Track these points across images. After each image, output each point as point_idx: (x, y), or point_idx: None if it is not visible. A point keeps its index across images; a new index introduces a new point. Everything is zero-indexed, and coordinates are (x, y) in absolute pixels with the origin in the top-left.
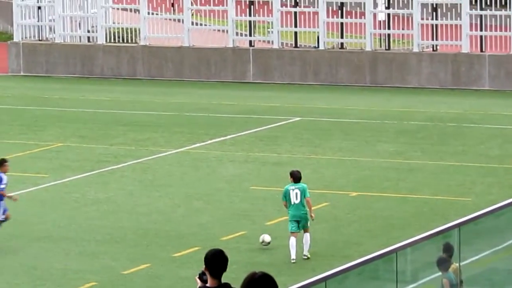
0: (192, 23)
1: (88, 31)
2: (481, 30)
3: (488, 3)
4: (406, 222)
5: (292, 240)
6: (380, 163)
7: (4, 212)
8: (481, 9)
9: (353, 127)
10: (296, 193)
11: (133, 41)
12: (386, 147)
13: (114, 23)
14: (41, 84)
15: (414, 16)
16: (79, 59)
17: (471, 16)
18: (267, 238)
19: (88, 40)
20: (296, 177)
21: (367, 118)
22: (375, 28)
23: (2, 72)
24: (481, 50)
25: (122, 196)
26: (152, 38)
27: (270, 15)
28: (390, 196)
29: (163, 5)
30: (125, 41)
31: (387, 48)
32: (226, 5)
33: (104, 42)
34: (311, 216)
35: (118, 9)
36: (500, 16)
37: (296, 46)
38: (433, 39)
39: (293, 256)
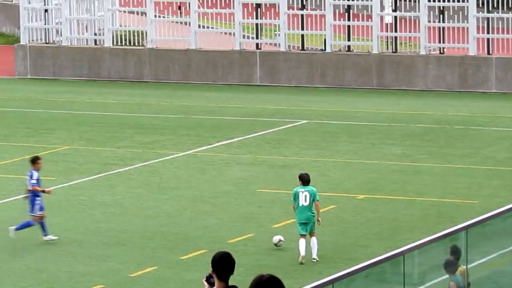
0: (199, 26)
1: (95, 34)
2: (488, 32)
3: (495, 5)
4: (413, 224)
5: (301, 241)
6: (387, 165)
7: (41, 209)
8: (488, 11)
9: (360, 130)
10: (306, 196)
11: (140, 44)
12: (393, 150)
13: (121, 26)
14: (48, 87)
15: (421, 19)
16: (86, 62)
17: (478, 18)
18: (278, 238)
19: (95, 43)
20: (305, 180)
21: (374, 121)
22: (382, 31)
23: (9, 75)
24: (488, 53)
25: (129, 199)
26: (159, 41)
27: (277, 18)
28: (397, 199)
29: (170, 8)
30: (132, 44)
31: (394, 51)
32: (233, 8)
33: (111, 45)
34: (318, 220)
35: (125, 12)
36: (507, 18)
37: (303, 49)
38: (440, 42)
39: (302, 252)
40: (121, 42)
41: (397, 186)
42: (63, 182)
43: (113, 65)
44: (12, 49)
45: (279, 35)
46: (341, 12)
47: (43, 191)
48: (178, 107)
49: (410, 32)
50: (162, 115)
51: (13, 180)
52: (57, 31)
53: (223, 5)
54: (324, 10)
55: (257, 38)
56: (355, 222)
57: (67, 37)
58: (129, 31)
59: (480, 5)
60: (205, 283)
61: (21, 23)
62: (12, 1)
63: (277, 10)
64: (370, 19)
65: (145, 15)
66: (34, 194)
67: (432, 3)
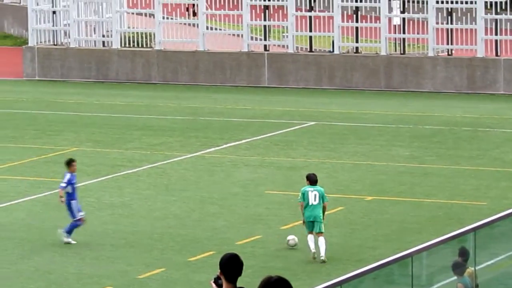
0: (207, 28)
1: (103, 36)
2: (496, 34)
3: (503, 7)
4: (421, 226)
5: (310, 237)
6: (395, 167)
7: (79, 210)
8: (496, 13)
9: (368, 132)
10: (315, 195)
11: (148, 45)
12: (401, 152)
13: (129, 27)
14: (56, 88)
15: (429, 21)
16: (94, 63)
17: (486, 20)
18: (292, 238)
19: (103, 45)
20: (312, 180)
21: (382, 122)
22: (390, 33)
23: (17, 76)
24: (496, 55)
25: (137, 200)
26: (167, 43)
27: (285, 19)
28: (405, 201)
29: (178, 9)
30: (140, 45)
31: (402, 52)
32: (241, 10)
33: (119, 47)
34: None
35: (133, 13)
36: None
37: (311, 50)
38: (448, 44)
39: (312, 249)
40: (129, 43)
41: (405, 188)
42: None
43: (121, 66)
44: (20, 51)
45: (287, 36)
46: (349, 13)
47: (60, 197)
48: (186, 109)
49: (418, 33)
50: (170, 116)
51: (21, 182)
52: (65, 33)
53: (231, 6)
54: (332, 11)
55: (265, 39)
56: (363, 224)
57: (75, 39)
58: (137, 32)
59: (488, 7)
60: (213, 285)
61: (29, 24)
62: (20, 3)
63: (285, 12)
64: (378, 21)
65: (153, 17)
66: (70, 198)
67: (440, 5)
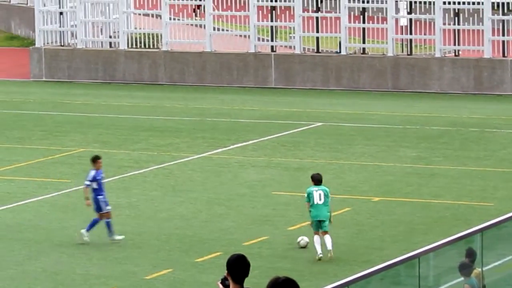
0: (214, 29)
1: (110, 37)
2: (503, 35)
3: (511, 8)
4: (429, 227)
5: (316, 238)
6: (402, 168)
7: (107, 204)
8: (503, 14)
9: (375, 133)
10: (320, 194)
11: (155, 46)
12: (408, 152)
13: (135, 28)
14: (63, 89)
15: (436, 21)
16: (101, 64)
17: (493, 21)
18: (302, 239)
19: (110, 46)
20: (317, 180)
21: (389, 123)
22: (397, 33)
23: (24, 77)
24: (503, 55)
25: (144, 201)
26: (173, 44)
27: (292, 20)
28: (412, 201)
29: (185, 10)
30: (146, 46)
31: (409, 53)
32: (248, 11)
33: (126, 48)
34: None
35: (139, 14)
36: None
37: (318, 51)
38: (455, 44)
39: (319, 251)
40: (136, 44)
41: (412, 189)
42: (78, 184)
43: (128, 67)
44: (27, 52)
45: (294, 37)
46: (356, 14)
47: (87, 199)
48: (193, 110)
49: (425, 34)
50: (177, 117)
51: (28, 182)
52: (72, 34)
53: (238, 7)
54: (339, 12)
55: (272, 40)
56: (370, 225)
57: (82, 40)
58: (144, 33)
59: (495, 8)
60: (220, 286)
61: (36, 25)
62: (27, 4)
63: (292, 13)
64: (385, 22)
65: (160, 18)
66: (96, 193)
67: (447, 6)
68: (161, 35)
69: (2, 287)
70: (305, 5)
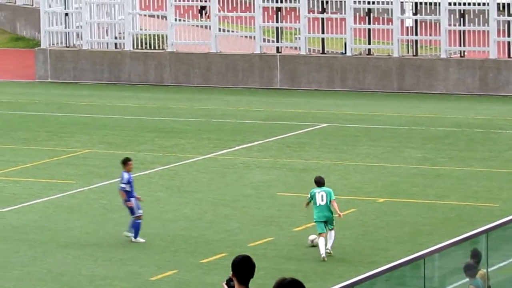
0: (219, 30)
1: (116, 38)
2: (508, 36)
3: None
4: (434, 228)
5: (321, 240)
6: (408, 169)
7: (138, 208)
8: (509, 15)
9: (381, 134)
10: (322, 195)
11: (160, 47)
12: (414, 153)
13: (141, 29)
14: (68, 90)
15: (442, 22)
16: (106, 65)
17: (498, 22)
18: (314, 238)
19: (115, 47)
20: (319, 183)
21: (395, 124)
22: (402, 34)
23: (30, 78)
24: (509, 56)
25: (149, 202)
26: (179, 45)
27: (297, 21)
28: (417, 202)
29: (191, 11)
30: (152, 47)
31: (414, 54)
32: (253, 12)
33: (131, 49)
34: (339, 215)
35: (145, 15)
36: None
37: (323, 52)
38: (460, 45)
39: (322, 252)
40: (142, 45)
41: (418, 190)
42: (83, 185)
43: (133, 68)
44: (32, 53)
45: (299, 38)
46: (362, 15)
47: (137, 198)
48: (198, 111)
49: (430, 35)
50: (182, 118)
51: (33, 183)
52: (77, 35)
53: (243, 8)
54: (345, 13)
55: (277, 41)
56: (376, 226)
57: (87, 41)
58: (149, 34)
59: (501, 9)
60: (225, 287)
61: (42, 27)
62: (32, 5)
63: (297, 14)
64: (390, 23)
65: (166, 19)
66: (128, 196)
67: (452, 7)
68: (166, 36)
69: None
70: (311, 6)
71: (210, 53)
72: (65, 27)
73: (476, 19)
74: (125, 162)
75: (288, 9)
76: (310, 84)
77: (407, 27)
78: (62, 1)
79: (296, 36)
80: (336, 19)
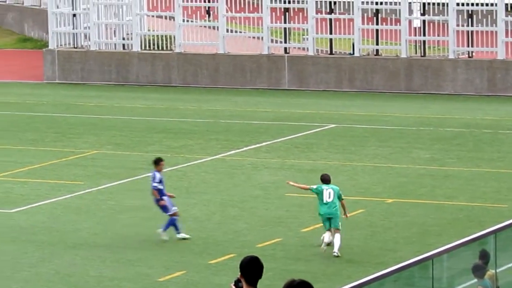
0: (227, 30)
1: (123, 39)
2: None
3: None
4: (442, 228)
5: (327, 233)
6: (416, 169)
7: (172, 205)
8: None
9: (389, 134)
10: (330, 192)
11: (168, 48)
12: (422, 154)
13: (149, 30)
14: (76, 91)
15: (450, 23)
16: (114, 66)
17: (506, 22)
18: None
19: (123, 48)
20: (326, 180)
21: (403, 125)
22: (410, 35)
23: (37, 79)
24: None
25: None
26: (187, 45)
27: (305, 22)
28: (426, 203)
29: (198, 12)
30: (160, 48)
31: (422, 54)
32: (261, 12)
33: (139, 50)
34: (346, 215)
35: (153, 16)
36: None
37: (331, 53)
38: (468, 46)
39: (324, 245)
40: (149, 46)
41: (426, 190)
42: (91, 186)
43: (141, 69)
44: (40, 54)
45: (307, 39)
46: (370, 16)
47: (170, 195)
48: (206, 112)
49: (438, 36)
50: (190, 119)
51: (41, 184)
52: (85, 36)
53: (251, 9)
54: (353, 14)
55: (285, 42)
56: (384, 226)
57: (95, 42)
58: (157, 35)
59: (509, 9)
60: None
61: (50, 27)
62: (40, 6)
63: (305, 14)
64: (398, 23)
65: (173, 20)
66: (160, 195)
67: (460, 7)
68: (174, 37)
69: None
70: (319, 6)
71: (218, 54)
72: (73, 28)
73: (484, 20)
74: (157, 162)
75: (296, 9)
76: (318, 84)
77: (415, 28)
78: (70, 2)
79: (304, 36)
80: (344, 19)
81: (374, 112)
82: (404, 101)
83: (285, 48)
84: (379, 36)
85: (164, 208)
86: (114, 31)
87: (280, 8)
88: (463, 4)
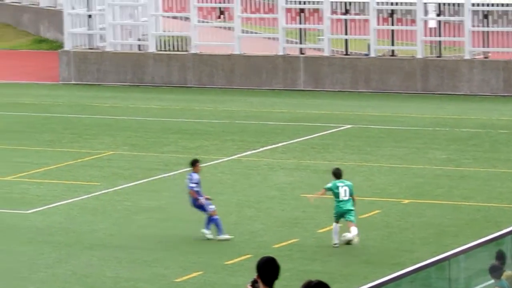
0: (243, 31)
1: (139, 40)
2: None
3: None
4: (459, 229)
5: (335, 226)
6: (432, 170)
7: (209, 204)
8: None
9: (405, 135)
10: (345, 190)
11: (184, 49)
12: (438, 155)
13: (164, 31)
14: (92, 92)
15: (465, 23)
16: (129, 67)
17: None
18: (349, 235)
19: (139, 49)
20: (338, 174)
21: (419, 125)
22: (426, 36)
23: (53, 80)
24: None
25: (173, 204)
26: (202, 46)
27: (320, 22)
28: (442, 204)
29: (213, 13)
30: (175, 49)
31: (438, 55)
32: (277, 13)
33: (155, 50)
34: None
35: (168, 17)
36: None
37: (346, 53)
38: (484, 46)
39: (335, 240)
40: (165, 47)
41: (442, 191)
42: (107, 187)
43: (156, 70)
44: (56, 55)
45: (322, 39)
46: (385, 16)
47: (207, 198)
48: (222, 112)
49: (454, 36)
50: (206, 120)
51: (57, 185)
52: (100, 37)
53: (266, 10)
54: (368, 14)
55: (300, 43)
56: (400, 227)
57: (110, 43)
58: (172, 36)
59: None
60: None
61: (65, 28)
62: (56, 7)
63: (320, 15)
64: (414, 24)
65: (189, 20)
66: (199, 196)
67: (476, 8)
68: (189, 38)
69: None
70: (334, 7)
71: (234, 55)
72: (89, 29)
73: (500, 20)
74: (194, 163)
75: (311, 10)
76: (334, 85)
77: (431, 28)
78: (85, 3)
79: (319, 37)
80: (360, 20)
81: (390, 112)
82: (420, 101)
83: (301, 49)
84: (395, 36)
85: (202, 208)
86: (130, 32)
87: (295, 9)
88: (478, 5)
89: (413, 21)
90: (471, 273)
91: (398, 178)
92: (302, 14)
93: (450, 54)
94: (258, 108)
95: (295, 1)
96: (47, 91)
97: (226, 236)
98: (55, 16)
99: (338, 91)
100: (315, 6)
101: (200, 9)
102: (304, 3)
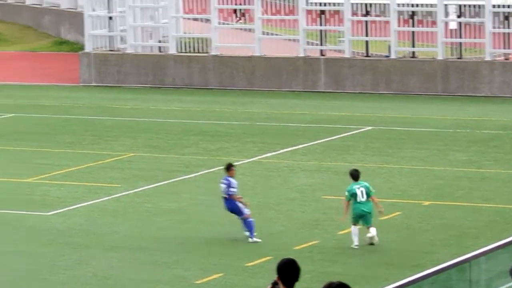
0: (263, 33)
1: (159, 41)
2: None
3: None
4: (480, 231)
5: (354, 229)
6: (453, 172)
7: (245, 207)
8: None
9: (425, 136)
10: (362, 191)
11: (204, 51)
12: (459, 156)
13: (185, 33)
14: (113, 94)
15: (486, 25)
16: (150, 69)
17: None
18: (370, 234)
19: (159, 50)
20: (355, 176)
21: (439, 127)
22: (446, 37)
23: (74, 82)
24: None
25: (194, 206)
26: (223, 48)
27: (341, 24)
28: (463, 205)
29: (234, 15)
30: (196, 51)
31: (459, 57)
32: (297, 15)
33: (175, 52)
34: (380, 210)
35: (189, 19)
36: None
37: (367, 55)
38: (505, 48)
39: (355, 242)
40: (185, 49)
41: (463, 193)
42: (128, 189)
43: (177, 72)
44: (76, 57)
45: (343, 41)
46: (406, 18)
47: (242, 203)
48: (242, 114)
49: (475, 38)
50: (226, 122)
51: (78, 187)
52: (121, 39)
53: (287, 11)
54: (389, 16)
55: (321, 44)
56: (421, 229)
57: (131, 44)
58: (193, 38)
59: None
60: None
61: (86, 30)
62: (76, 9)
63: (341, 17)
64: (434, 25)
65: (209, 22)
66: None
67: (497, 9)
68: (210, 40)
69: None
70: (355, 9)
71: (254, 56)
72: (109, 31)
73: None
74: (229, 167)
75: (332, 12)
76: (355, 87)
77: (451, 30)
78: (106, 5)
79: (340, 39)
80: (380, 22)
81: (411, 114)
82: (441, 103)
83: (321, 51)
84: (415, 38)
85: (239, 211)
86: (150, 34)
87: (316, 11)
88: (499, 6)
89: (433, 23)
90: (491, 275)
91: (419, 179)
92: (323, 16)
93: (471, 56)
94: (278, 110)
95: (315, 3)
96: (68, 93)
97: (257, 240)
98: (75, 18)
99: (359, 92)
100: (336, 7)
101: (220, 10)
102: (325, 4)
